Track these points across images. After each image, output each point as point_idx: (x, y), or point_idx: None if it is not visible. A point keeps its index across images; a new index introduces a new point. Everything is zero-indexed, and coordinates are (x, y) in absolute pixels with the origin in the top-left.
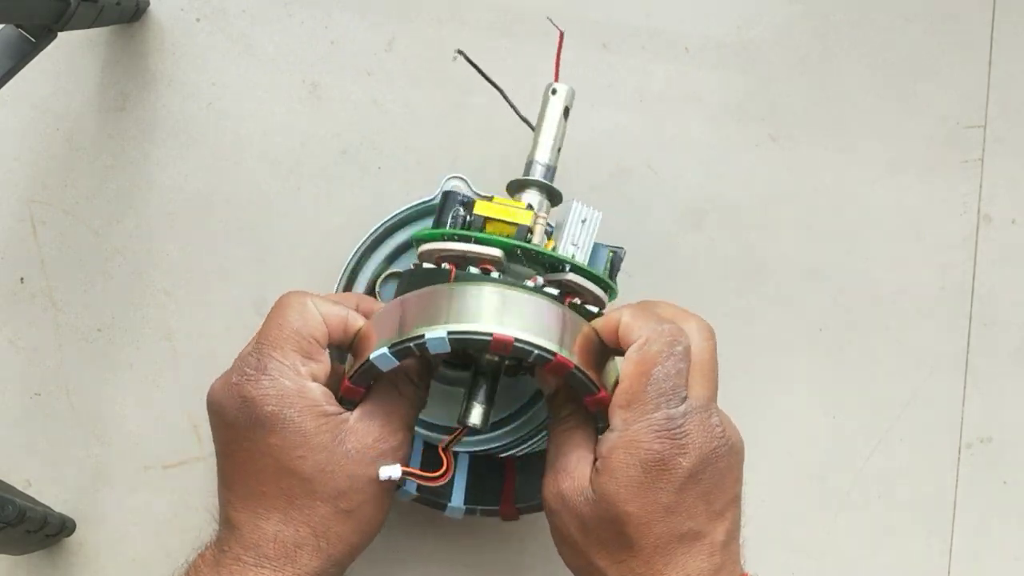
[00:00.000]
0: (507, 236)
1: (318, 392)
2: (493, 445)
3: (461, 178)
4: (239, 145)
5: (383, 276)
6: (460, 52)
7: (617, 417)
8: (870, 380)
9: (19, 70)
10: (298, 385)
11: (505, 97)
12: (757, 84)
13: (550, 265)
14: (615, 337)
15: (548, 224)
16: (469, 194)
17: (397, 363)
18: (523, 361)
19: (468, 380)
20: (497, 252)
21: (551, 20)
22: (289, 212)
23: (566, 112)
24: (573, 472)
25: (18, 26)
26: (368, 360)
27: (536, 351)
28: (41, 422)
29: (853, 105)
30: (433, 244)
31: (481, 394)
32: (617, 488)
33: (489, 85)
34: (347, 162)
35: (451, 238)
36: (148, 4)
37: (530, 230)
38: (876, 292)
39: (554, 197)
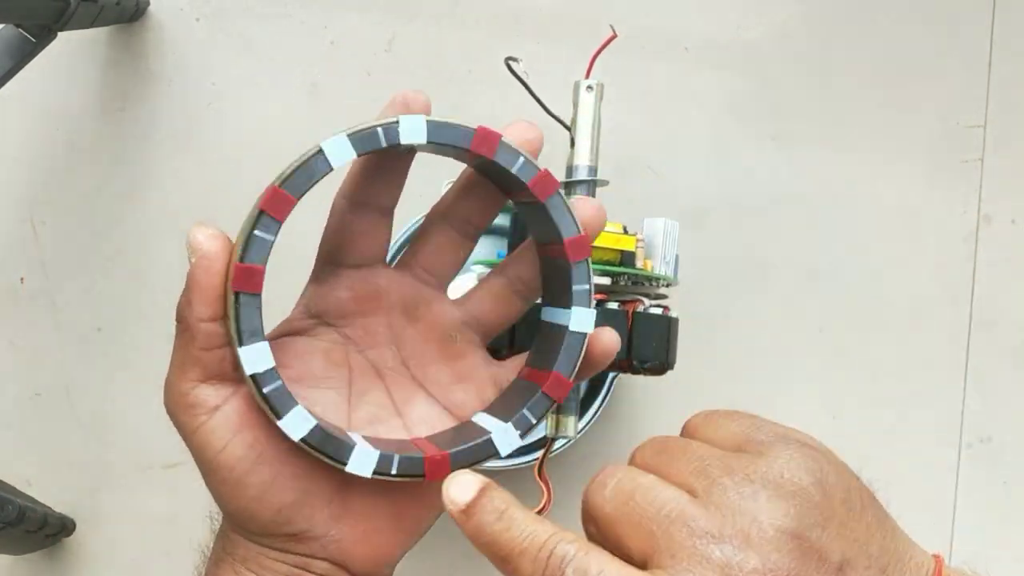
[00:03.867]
0: (608, 261)
1: None
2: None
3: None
4: (239, 145)
5: None
6: (509, 60)
7: None
8: (870, 380)
9: (19, 70)
10: None
11: (544, 107)
12: (757, 84)
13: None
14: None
15: (640, 242)
16: None
17: (353, 156)
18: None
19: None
20: (605, 280)
21: (612, 27)
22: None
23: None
24: None
25: (18, 26)
26: (318, 149)
27: (524, 157)
28: (41, 422)
29: (853, 105)
30: None
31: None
32: None
33: (524, 92)
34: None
35: None
36: (148, 4)
37: (634, 255)
38: (876, 292)
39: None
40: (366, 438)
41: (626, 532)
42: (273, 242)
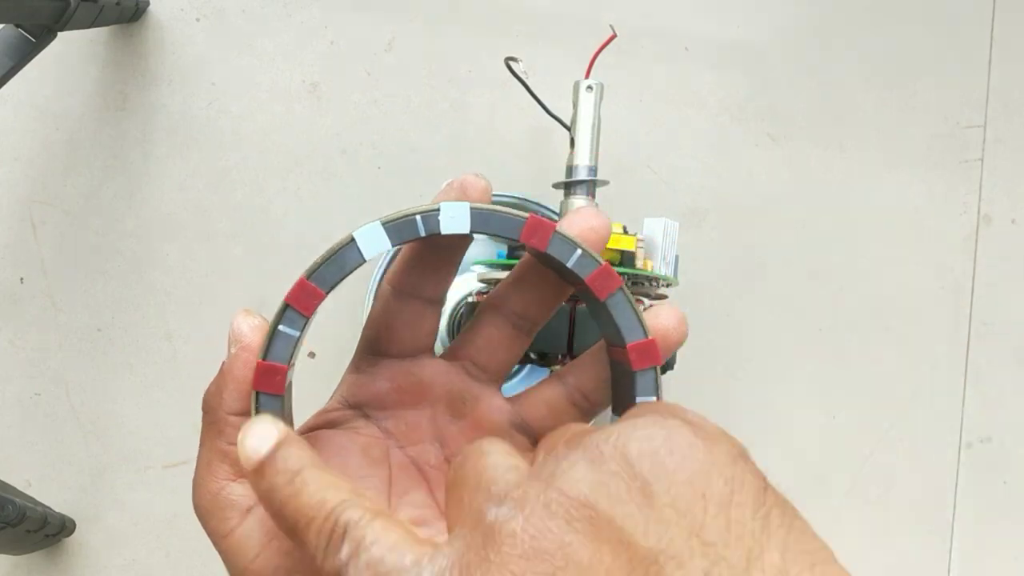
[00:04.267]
0: (608, 261)
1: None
2: None
3: None
4: (239, 145)
5: (466, 299)
6: (509, 60)
7: None
8: (870, 380)
9: (19, 70)
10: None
11: (544, 107)
12: (757, 84)
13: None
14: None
15: (640, 242)
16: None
17: (389, 247)
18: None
19: None
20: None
21: (612, 27)
22: (289, 212)
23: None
24: None
25: (18, 26)
26: (350, 239)
27: (581, 250)
28: (41, 422)
29: (853, 105)
30: None
31: None
32: None
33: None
34: (347, 162)
35: None
36: (148, 4)
37: (634, 255)
38: (876, 292)
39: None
40: None
41: (448, 500)
42: (298, 338)
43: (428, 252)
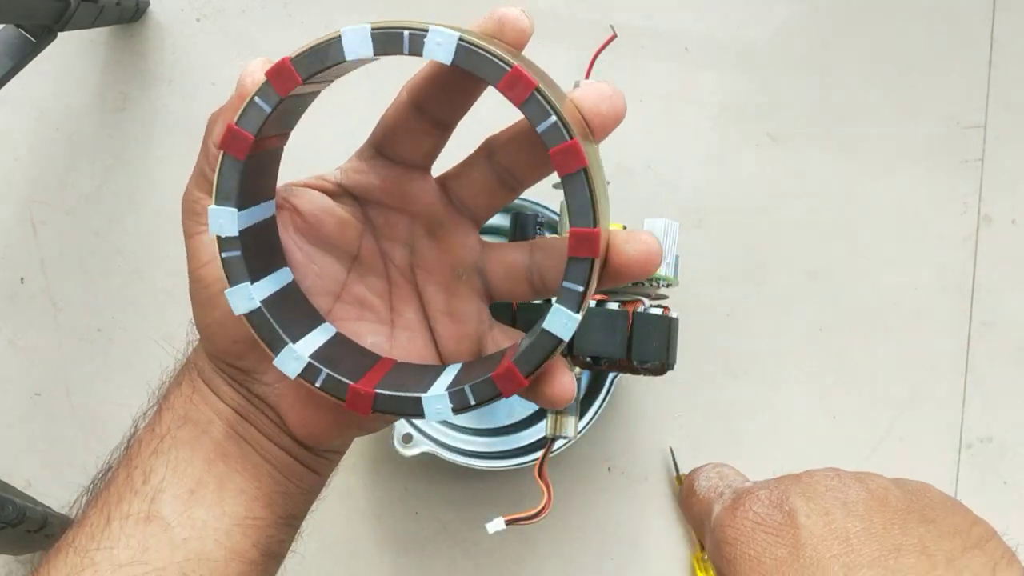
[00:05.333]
0: None
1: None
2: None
3: None
4: None
5: None
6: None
7: None
8: (870, 380)
9: (19, 70)
10: None
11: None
12: (757, 84)
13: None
14: None
15: None
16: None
17: (371, 55)
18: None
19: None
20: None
21: (612, 27)
22: None
23: None
24: None
25: (18, 26)
26: (337, 35)
27: (556, 118)
28: (41, 422)
29: (853, 105)
30: None
31: (572, 405)
32: None
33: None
34: None
35: None
36: (148, 4)
37: None
38: (876, 292)
39: None
40: (334, 339)
41: (696, 504)
42: (269, 114)
43: (454, 77)
